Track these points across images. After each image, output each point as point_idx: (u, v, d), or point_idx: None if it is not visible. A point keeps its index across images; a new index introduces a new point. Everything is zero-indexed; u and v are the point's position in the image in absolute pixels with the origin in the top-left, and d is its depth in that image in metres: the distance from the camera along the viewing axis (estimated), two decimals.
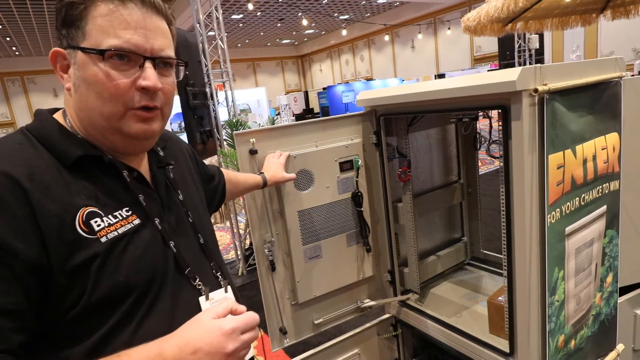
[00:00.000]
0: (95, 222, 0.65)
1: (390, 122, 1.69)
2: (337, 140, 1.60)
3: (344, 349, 1.69)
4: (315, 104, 17.17)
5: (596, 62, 1.19)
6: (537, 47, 10.99)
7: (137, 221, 0.70)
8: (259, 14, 14.92)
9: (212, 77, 4.56)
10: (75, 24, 0.66)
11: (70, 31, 0.67)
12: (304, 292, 1.60)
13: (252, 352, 0.75)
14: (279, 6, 14.17)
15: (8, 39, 18.13)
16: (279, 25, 17.60)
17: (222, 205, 4.25)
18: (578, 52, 11.06)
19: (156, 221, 0.73)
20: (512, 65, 10.95)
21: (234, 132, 1.61)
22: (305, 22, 16.50)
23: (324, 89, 16.48)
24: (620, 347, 1.40)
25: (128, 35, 0.66)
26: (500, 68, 10.88)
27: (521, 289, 1.16)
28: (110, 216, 0.67)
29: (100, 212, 0.66)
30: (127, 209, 0.70)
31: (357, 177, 1.65)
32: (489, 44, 16.68)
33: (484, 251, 2.08)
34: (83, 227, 0.63)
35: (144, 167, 0.79)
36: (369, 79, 20.71)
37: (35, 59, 24.13)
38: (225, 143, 4.54)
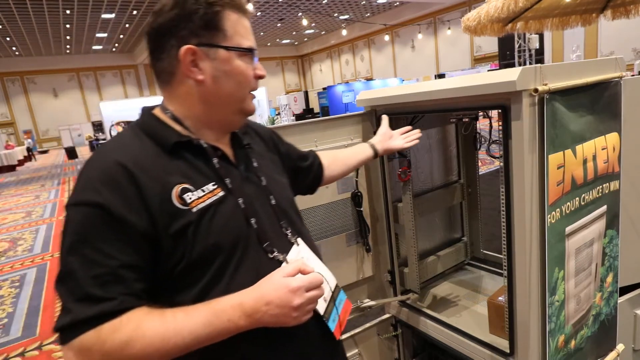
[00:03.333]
0: (187, 196, 0.78)
1: (390, 122, 1.69)
2: (337, 140, 1.60)
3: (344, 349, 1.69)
4: (315, 104, 17.15)
5: (596, 62, 1.19)
6: (537, 47, 10.99)
7: (221, 193, 0.82)
8: (259, 14, 14.91)
9: None
10: (215, 27, 0.82)
11: (211, 32, 0.82)
12: None
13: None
14: (279, 6, 14.17)
15: (8, 39, 18.05)
16: (279, 25, 17.60)
17: None
18: (578, 52, 11.06)
19: (237, 193, 0.85)
20: (512, 65, 10.95)
21: None
22: (305, 22, 16.48)
23: (324, 89, 16.45)
24: (620, 347, 1.40)
25: (251, 37, 0.87)
26: (500, 68, 10.88)
27: (521, 289, 1.16)
28: (199, 190, 0.80)
29: (191, 187, 0.79)
30: (213, 183, 0.82)
31: (356, 177, 1.65)
32: (489, 44, 16.66)
33: (484, 251, 2.08)
34: (178, 200, 0.77)
35: (227, 147, 0.92)
36: (369, 79, 20.66)
37: (35, 59, 23.99)
38: None
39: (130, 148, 0.80)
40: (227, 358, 0.80)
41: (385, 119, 1.44)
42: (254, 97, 0.92)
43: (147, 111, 0.89)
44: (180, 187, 0.78)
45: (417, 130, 1.43)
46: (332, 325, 0.90)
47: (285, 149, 1.15)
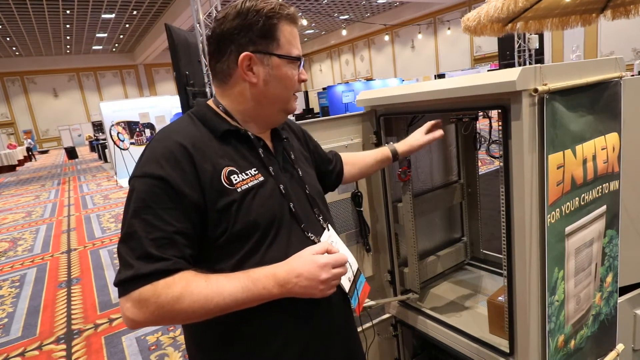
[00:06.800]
0: (234, 177, 0.89)
1: (390, 122, 1.69)
2: (337, 140, 1.60)
3: None
4: (315, 104, 17.14)
5: (596, 62, 1.19)
6: (537, 47, 10.99)
7: (261, 178, 0.94)
8: None
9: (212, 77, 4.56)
10: (270, 37, 0.92)
11: (267, 41, 0.92)
12: None
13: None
14: None
15: (8, 39, 18.05)
16: None
17: None
18: (578, 52, 11.07)
19: (277, 179, 0.97)
20: (512, 65, 10.94)
21: None
22: (305, 22, 16.47)
23: (324, 89, 16.43)
24: (620, 347, 1.40)
25: (299, 46, 0.97)
26: (500, 68, 10.88)
27: (521, 289, 1.17)
28: (243, 173, 0.91)
29: (237, 170, 0.91)
30: (255, 169, 0.94)
31: None
32: (489, 44, 16.67)
33: (484, 251, 2.08)
34: (226, 180, 0.88)
35: (267, 139, 1.04)
36: (369, 79, 20.64)
37: (35, 59, 23.98)
38: None
39: (189, 131, 0.91)
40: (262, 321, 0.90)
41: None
42: (296, 98, 1.02)
43: (202, 103, 1.02)
44: (228, 169, 0.89)
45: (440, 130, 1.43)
46: (354, 302, 1.02)
47: (313, 147, 1.25)
